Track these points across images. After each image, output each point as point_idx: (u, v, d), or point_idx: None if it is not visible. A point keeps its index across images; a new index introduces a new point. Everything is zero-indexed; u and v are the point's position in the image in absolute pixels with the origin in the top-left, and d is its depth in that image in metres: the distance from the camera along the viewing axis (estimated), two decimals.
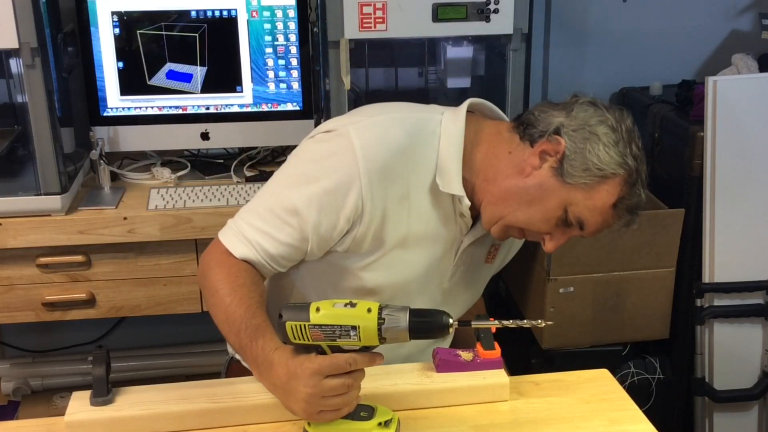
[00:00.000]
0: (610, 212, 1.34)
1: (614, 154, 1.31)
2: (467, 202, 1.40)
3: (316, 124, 2.04)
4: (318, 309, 1.16)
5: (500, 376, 1.39)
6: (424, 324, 1.16)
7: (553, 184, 1.33)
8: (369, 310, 1.15)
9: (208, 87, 2.28)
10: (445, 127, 1.40)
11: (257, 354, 1.25)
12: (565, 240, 1.39)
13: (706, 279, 2.38)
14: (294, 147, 1.47)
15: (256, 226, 1.36)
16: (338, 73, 2.08)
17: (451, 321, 1.16)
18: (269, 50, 2.27)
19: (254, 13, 2.24)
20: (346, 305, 1.15)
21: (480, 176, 1.40)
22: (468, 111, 1.43)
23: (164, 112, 2.29)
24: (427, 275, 1.47)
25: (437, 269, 1.48)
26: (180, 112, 2.30)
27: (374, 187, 1.34)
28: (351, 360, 1.17)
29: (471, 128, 1.41)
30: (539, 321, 1.22)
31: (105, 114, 2.27)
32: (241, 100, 2.29)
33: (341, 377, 1.18)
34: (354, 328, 1.15)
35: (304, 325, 1.16)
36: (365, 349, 1.18)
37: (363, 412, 1.24)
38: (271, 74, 2.29)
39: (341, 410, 1.20)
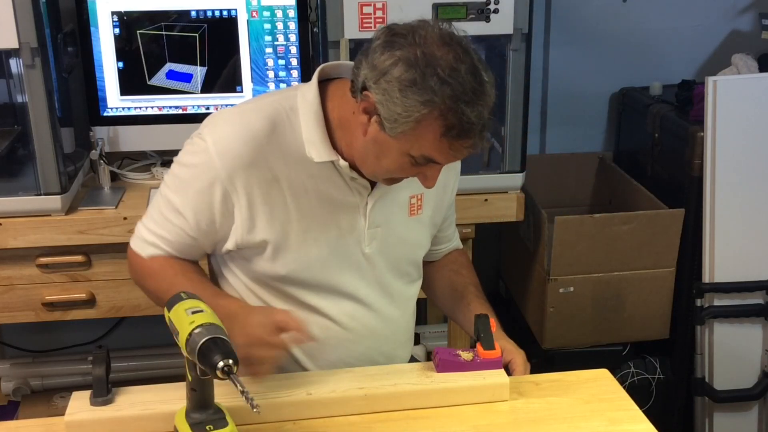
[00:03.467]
0: (446, 143, 1.27)
1: (414, 95, 1.23)
2: (344, 163, 1.40)
3: None
4: (178, 305, 1.17)
5: (500, 376, 1.39)
6: (204, 357, 1.11)
7: (383, 138, 1.30)
8: (192, 323, 1.13)
9: (208, 87, 2.28)
10: (301, 100, 1.42)
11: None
12: (438, 173, 1.35)
13: (706, 279, 2.38)
14: None
15: (152, 229, 1.47)
16: None
17: (221, 365, 1.09)
18: (269, 50, 2.27)
19: (254, 13, 2.24)
20: (195, 312, 1.15)
21: (343, 141, 1.41)
22: (331, 79, 1.44)
23: (164, 112, 2.29)
24: (338, 247, 1.46)
25: (349, 238, 1.47)
26: (180, 112, 2.30)
27: (236, 177, 1.38)
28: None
29: (330, 94, 1.42)
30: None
31: (105, 114, 2.27)
32: (241, 100, 2.29)
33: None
34: (177, 333, 1.15)
35: (166, 313, 1.19)
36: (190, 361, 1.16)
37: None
38: (271, 74, 2.29)
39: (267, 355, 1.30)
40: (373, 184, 1.45)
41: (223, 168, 1.38)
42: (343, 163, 1.40)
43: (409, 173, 1.35)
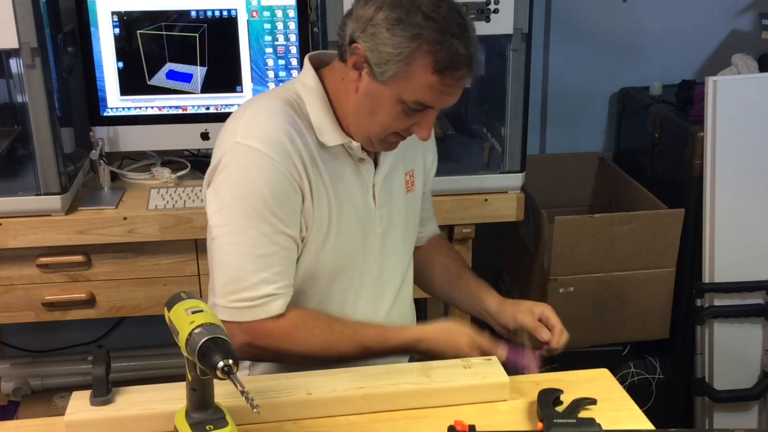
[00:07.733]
0: (437, 80, 1.30)
1: (401, 32, 1.28)
2: (357, 144, 1.43)
3: None
4: (178, 305, 1.17)
5: (500, 375, 1.39)
6: (204, 357, 1.10)
7: (375, 88, 1.34)
8: (192, 323, 1.12)
9: (208, 87, 2.28)
10: (302, 89, 1.44)
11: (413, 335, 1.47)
12: (432, 120, 1.38)
13: (706, 279, 2.38)
14: None
15: (263, 279, 1.38)
16: None
17: (221, 365, 1.08)
18: (269, 50, 2.27)
19: (254, 13, 2.24)
20: (195, 312, 1.14)
21: (342, 117, 1.43)
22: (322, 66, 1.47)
23: (164, 112, 2.29)
24: (359, 230, 1.49)
25: (365, 220, 1.49)
26: (180, 112, 2.30)
27: (294, 159, 1.38)
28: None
29: (326, 77, 1.45)
30: None
31: (105, 114, 2.27)
32: (241, 100, 2.29)
33: None
34: (177, 333, 1.15)
35: (166, 313, 1.19)
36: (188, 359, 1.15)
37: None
38: (271, 74, 2.29)
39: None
40: (376, 166, 1.48)
41: (279, 156, 1.36)
42: (355, 144, 1.42)
43: (403, 123, 1.37)
